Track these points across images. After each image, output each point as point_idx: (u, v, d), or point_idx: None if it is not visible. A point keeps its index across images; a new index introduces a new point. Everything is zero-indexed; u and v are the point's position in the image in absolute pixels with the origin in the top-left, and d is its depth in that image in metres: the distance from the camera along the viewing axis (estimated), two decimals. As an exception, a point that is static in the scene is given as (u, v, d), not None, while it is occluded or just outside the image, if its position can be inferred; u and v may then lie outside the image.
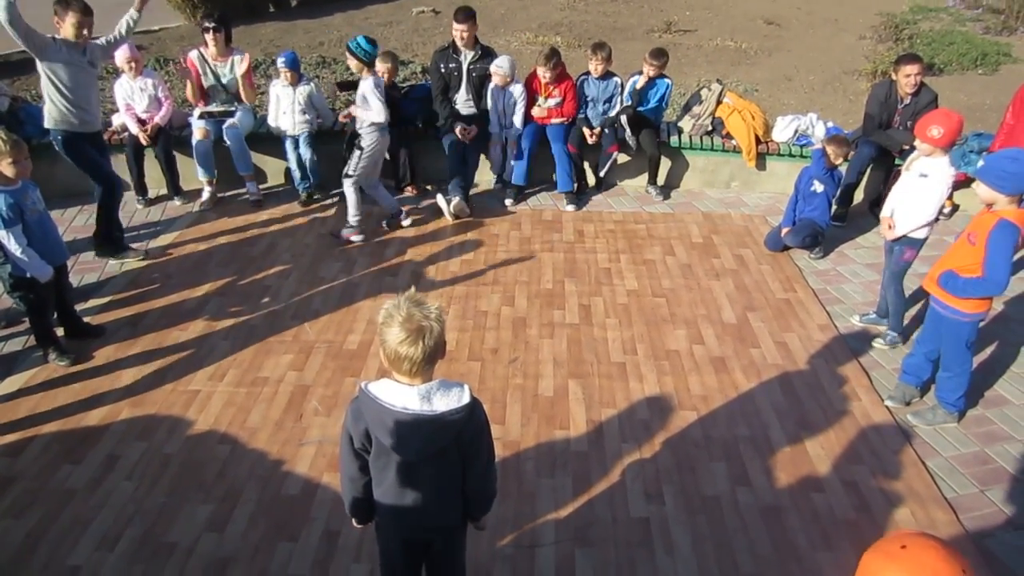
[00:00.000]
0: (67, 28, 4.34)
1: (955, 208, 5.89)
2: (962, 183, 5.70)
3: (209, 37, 5.50)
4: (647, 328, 4.36)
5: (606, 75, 5.86)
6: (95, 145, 4.79)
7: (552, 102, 5.79)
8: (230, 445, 3.43)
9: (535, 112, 5.82)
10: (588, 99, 5.94)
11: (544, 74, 5.65)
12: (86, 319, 4.25)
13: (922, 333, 3.72)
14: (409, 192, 6.00)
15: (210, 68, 5.59)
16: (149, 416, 3.59)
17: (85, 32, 4.40)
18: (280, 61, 5.66)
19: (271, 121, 5.83)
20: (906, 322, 4.47)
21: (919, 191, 4.02)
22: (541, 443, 3.48)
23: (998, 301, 4.55)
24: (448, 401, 1.96)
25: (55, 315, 4.04)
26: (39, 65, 4.37)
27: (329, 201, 5.84)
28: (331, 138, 5.89)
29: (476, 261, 5.04)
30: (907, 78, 5.17)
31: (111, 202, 4.86)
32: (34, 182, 3.74)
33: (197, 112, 5.64)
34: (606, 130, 5.91)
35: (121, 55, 5.23)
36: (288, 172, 5.96)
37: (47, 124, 4.54)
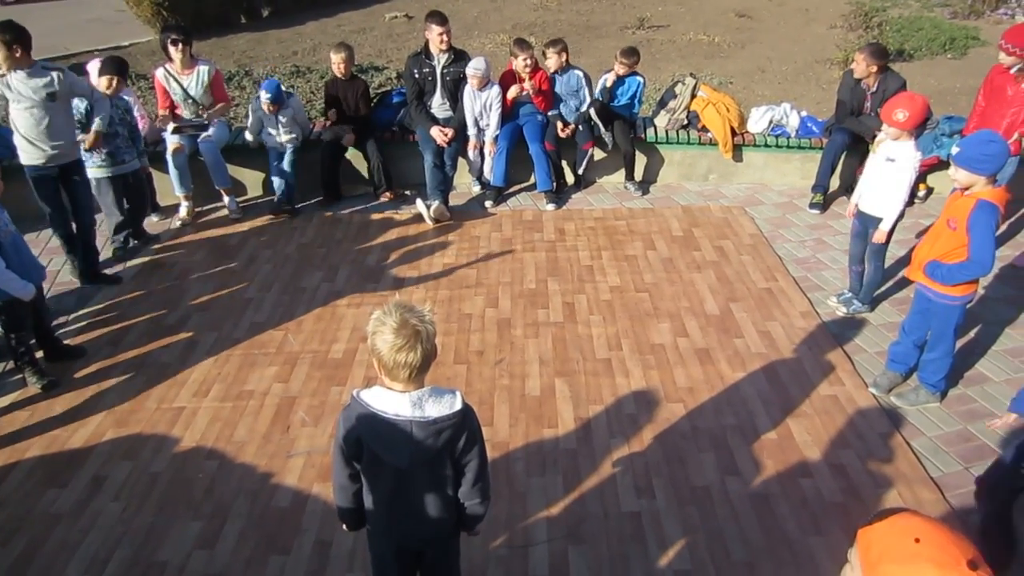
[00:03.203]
0: None
1: (929, 191, 5.96)
2: (935, 166, 5.78)
3: (174, 50, 5.44)
4: (631, 323, 4.38)
5: (566, 68, 5.89)
6: (76, 174, 4.60)
7: (530, 84, 5.75)
8: (217, 461, 3.40)
9: (511, 93, 5.76)
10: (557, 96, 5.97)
11: (522, 60, 5.65)
12: (66, 341, 4.20)
13: (909, 321, 3.72)
14: (386, 198, 5.97)
15: (176, 82, 5.54)
16: (134, 435, 3.55)
17: (17, 55, 4.15)
18: (264, 97, 5.42)
19: (251, 134, 5.74)
20: (891, 307, 4.53)
21: (887, 175, 4.07)
22: (530, 443, 3.48)
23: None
24: (440, 407, 1.95)
25: (33, 339, 3.98)
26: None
27: (303, 203, 5.81)
28: (306, 147, 5.86)
29: (458, 264, 5.04)
30: (856, 65, 5.45)
31: (85, 238, 4.77)
32: (0, 204, 3.67)
33: (171, 126, 5.58)
34: (580, 127, 5.93)
35: (95, 74, 5.12)
36: (267, 183, 5.91)
37: (22, 160, 4.43)
